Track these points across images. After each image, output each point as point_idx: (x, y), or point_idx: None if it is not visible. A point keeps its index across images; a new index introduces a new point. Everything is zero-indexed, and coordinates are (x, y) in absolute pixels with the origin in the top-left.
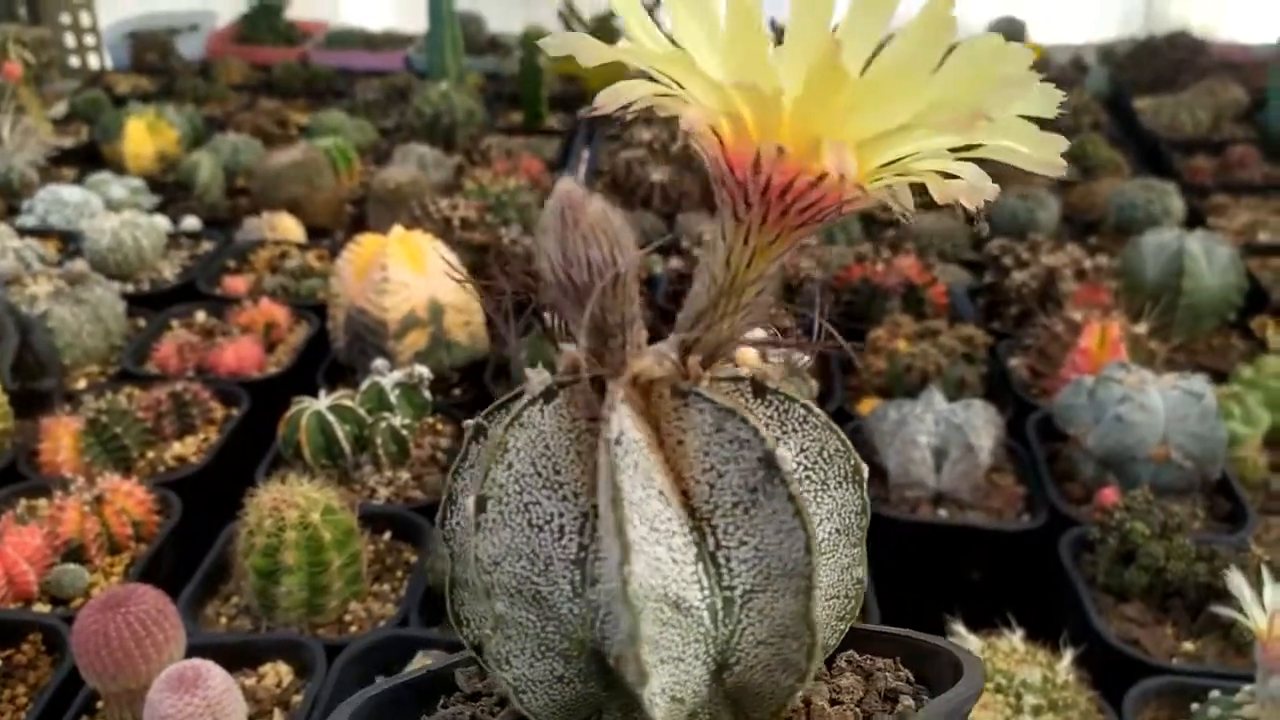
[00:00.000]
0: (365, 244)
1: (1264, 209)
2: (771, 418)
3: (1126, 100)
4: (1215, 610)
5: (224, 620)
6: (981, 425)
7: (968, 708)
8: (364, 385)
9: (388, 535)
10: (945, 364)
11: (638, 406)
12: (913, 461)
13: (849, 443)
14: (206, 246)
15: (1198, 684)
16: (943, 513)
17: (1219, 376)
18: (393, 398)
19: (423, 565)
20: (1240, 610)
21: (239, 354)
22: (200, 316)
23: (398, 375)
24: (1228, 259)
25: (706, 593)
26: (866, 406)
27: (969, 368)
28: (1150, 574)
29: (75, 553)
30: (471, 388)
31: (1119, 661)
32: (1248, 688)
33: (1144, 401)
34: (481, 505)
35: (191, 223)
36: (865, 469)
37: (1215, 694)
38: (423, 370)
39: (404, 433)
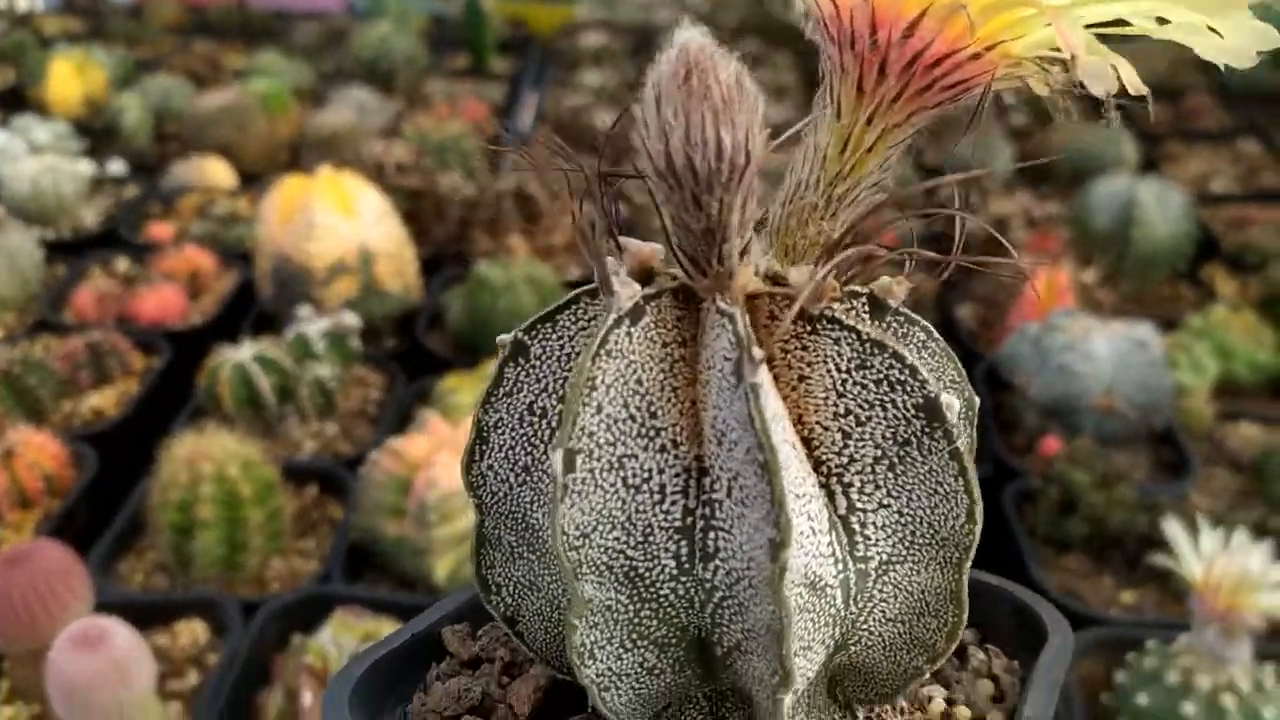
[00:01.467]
0: (290, 187)
1: (1218, 158)
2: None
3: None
4: (1152, 560)
5: (140, 578)
6: None
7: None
8: (289, 334)
9: (314, 491)
10: None
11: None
12: None
13: (964, 373)
14: (132, 192)
15: (1135, 634)
16: None
17: (1168, 326)
18: (319, 348)
19: (348, 521)
20: (1177, 560)
21: (161, 302)
22: (122, 264)
23: (325, 324)
24: (1179, 208)
25: (840, 567)
26: None
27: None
28: (1090, 524)
29: None
30: (405, 339)
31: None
32: (1184, 637)
33: (1089, 350)
34: (570, 462)
35: (117, 168)
36: (977, 402)
37: (1151, 644)
38: (352, 319)
39: (330, 384)
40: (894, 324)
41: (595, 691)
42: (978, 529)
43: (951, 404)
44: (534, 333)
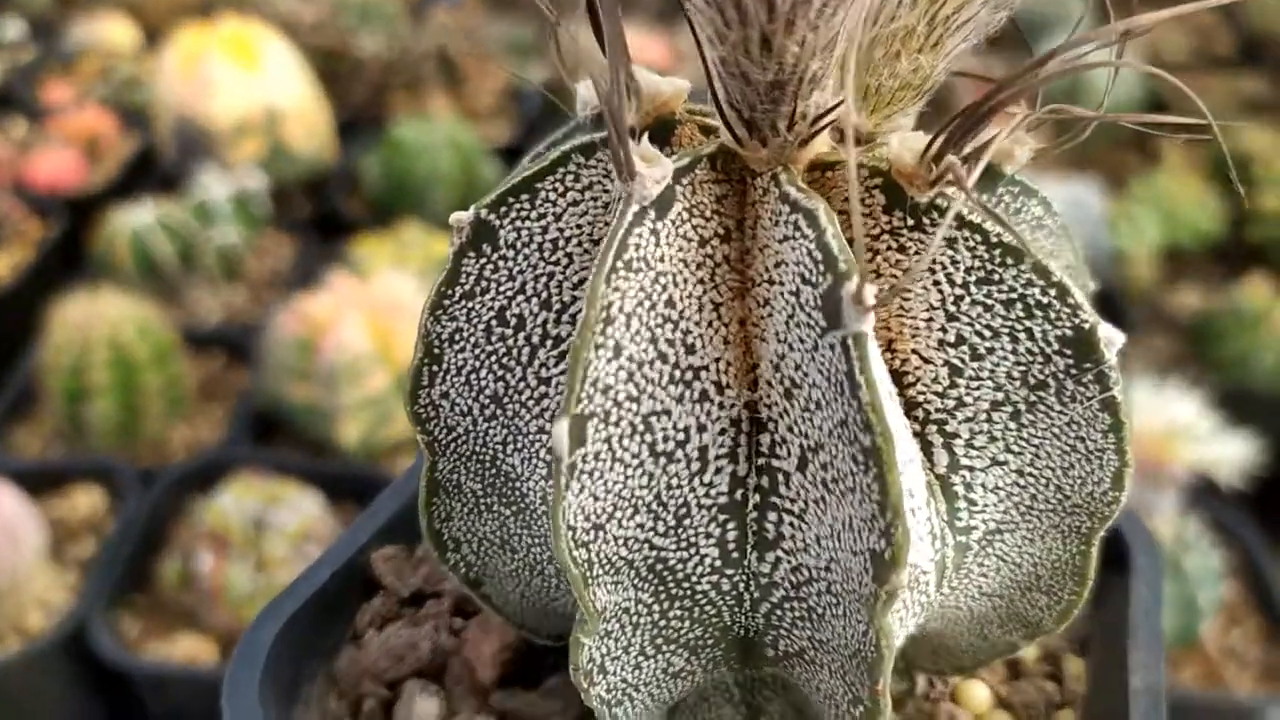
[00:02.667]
0: (190, 40)
1: (1173, 24)
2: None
3: None
4: None
5: (36, 446)
6: None
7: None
8: (192, 199)
9: (222, 360)
10: None
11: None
12: None
13: (1083, 258)
14: (29, 54)
15: None
16: None
17: (1115, 190)
18: (224, 211)
19: (253, 388)
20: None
21: (57, 167)
22: (18, 129)
23: (229, 187)
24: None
25: (938, 544)
26: None
27: None
28: None
29: None
30: (319, 203)
31: None
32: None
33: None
34: (580, 434)
35: (13, 30)
36: (1092, 289)
37: None
38: (257, 180)
39: (236, 249)
40: (1006, 198)
41: (604, 708)
42: (1124, 497)
43: (1113, 339)
44: (503, 209)
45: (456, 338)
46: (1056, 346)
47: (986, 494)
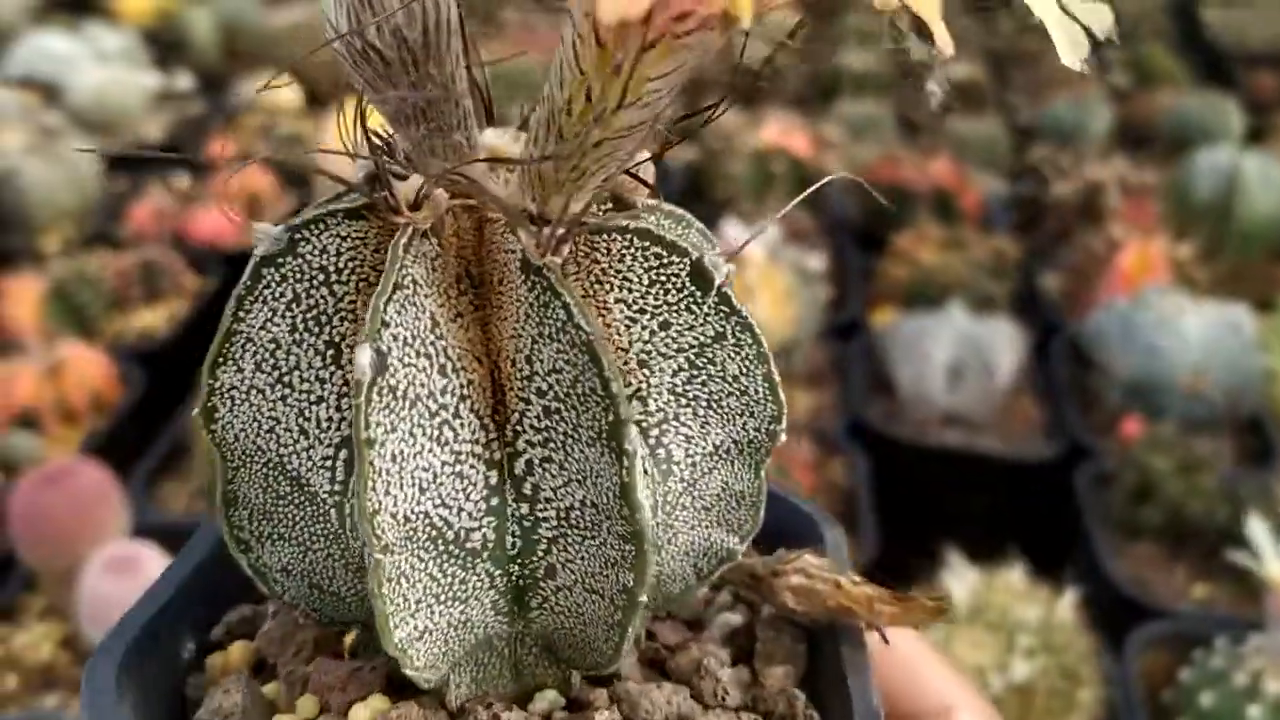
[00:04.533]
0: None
1: None
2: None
3: (1194, 8)
4: (1230, 555)
5: (181, 502)
6: (1003, 343)
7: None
8: None
9: None
10: (970, 277)
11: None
12: (925, 378)
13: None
14: (196, 108)
15: (1204, 631)
16: (954, 435)
17: (1264, 307)
18: None
19: None
20: (1256, 556)
21: (216, 221)
22: (181, 181)
23: None
24: None
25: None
26: (884, 317)
27: (996, 283)
28: (1167, 512)
29: (28, 420)
30: None
31: (1124, 603)
32: (1256, 639)
33: (1179, 329)
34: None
35: (183, 82)
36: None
37: (1220, 642)
38: None
39: None
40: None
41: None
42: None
43: (717, 263)
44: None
45: (248, 358)
46: (684, 284)
47: (678, 437)
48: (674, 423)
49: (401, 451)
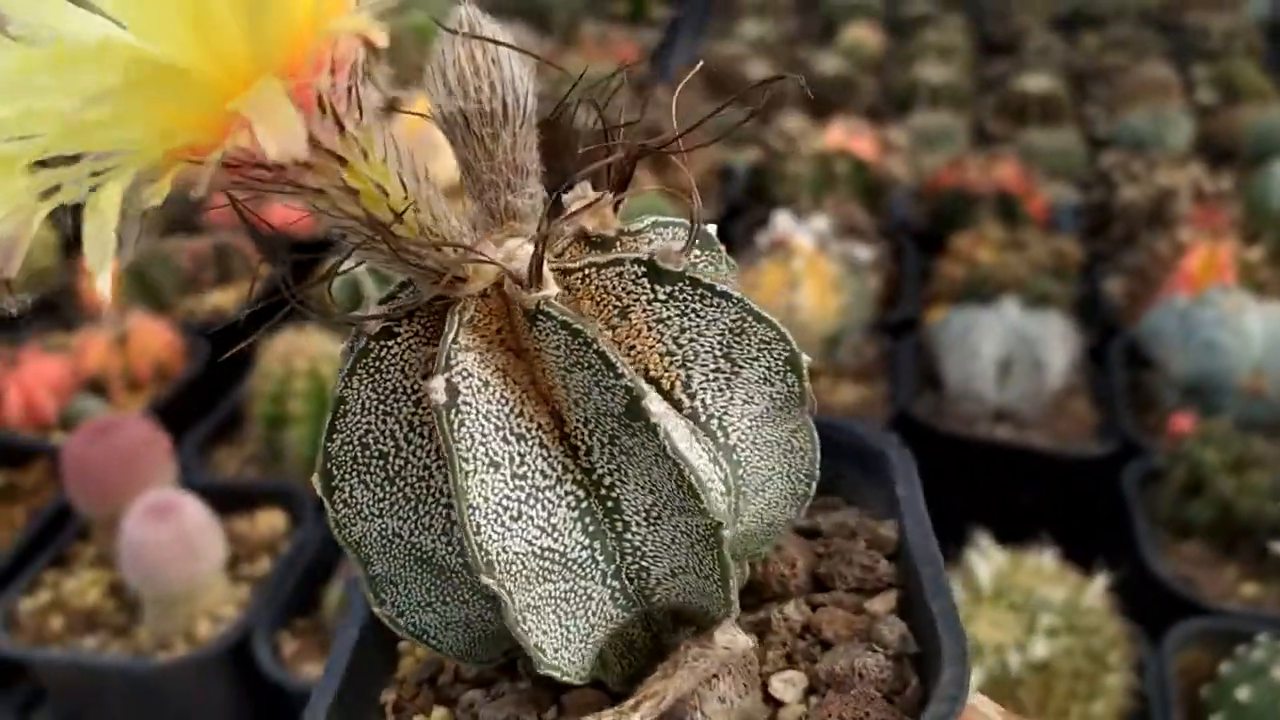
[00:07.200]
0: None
1: None
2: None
3: None
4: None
5: (234, 466)
6: (1054, 340)
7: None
8: None
9: None
10: (1028, 276)
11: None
12: (973, 373)
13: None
14: None
15: (1249, 629)
16: (1002, 431)
17: None
18: None
19: None
20: None
21: (288, 211)
22: None
23: None
24: None
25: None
26: (937, 315)
27: (1056, 284)
28: (1217, 509)
29: (96, 386)
30: None
31: (1167, 598)
32: None
33: (1239, 326)
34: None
35: None
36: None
37: (1262, 638)
38: None
39: None
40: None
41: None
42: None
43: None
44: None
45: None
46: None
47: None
48: (725, 405)
49: (494, 489)
